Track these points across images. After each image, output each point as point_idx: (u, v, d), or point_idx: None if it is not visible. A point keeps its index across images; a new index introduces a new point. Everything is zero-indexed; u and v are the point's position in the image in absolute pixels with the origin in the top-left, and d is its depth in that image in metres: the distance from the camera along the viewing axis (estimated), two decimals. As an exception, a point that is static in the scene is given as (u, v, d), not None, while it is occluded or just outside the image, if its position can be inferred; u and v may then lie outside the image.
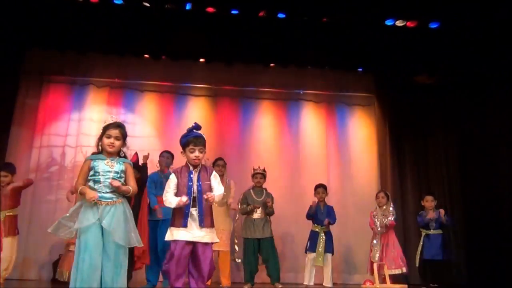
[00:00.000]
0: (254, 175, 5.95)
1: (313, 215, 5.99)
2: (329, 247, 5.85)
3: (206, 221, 3.37)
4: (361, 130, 7.61)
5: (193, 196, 3.38)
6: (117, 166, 3.33)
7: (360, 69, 7.32)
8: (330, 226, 6.04)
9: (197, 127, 3.54)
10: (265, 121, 7.50)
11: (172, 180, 3.47)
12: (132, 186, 3.35)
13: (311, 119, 7.62)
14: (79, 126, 6.96)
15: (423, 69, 7.06)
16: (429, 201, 6.01)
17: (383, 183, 7.10)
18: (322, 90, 7.65)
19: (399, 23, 6.42)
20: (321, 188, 6.11)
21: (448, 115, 7.24)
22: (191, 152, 3.45)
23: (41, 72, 7.08)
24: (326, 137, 7.52)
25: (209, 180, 3.49)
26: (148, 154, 5.55)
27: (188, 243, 3.31)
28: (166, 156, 5.69)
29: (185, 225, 3.31)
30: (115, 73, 7.23)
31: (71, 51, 6.71)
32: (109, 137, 3.33)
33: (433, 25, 6.43)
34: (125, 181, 3.35)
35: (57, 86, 7.17)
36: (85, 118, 6.97)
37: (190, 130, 3.53)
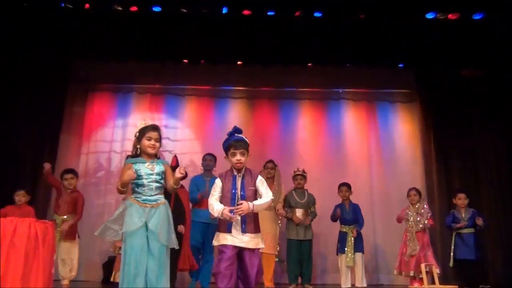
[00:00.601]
0: (294, 177, 6.03)
1: (337, 218, 5.92)
2: (359, 247, 5.76)
3: (249, 227, 3.28)
4: (404, 128, 7.44)
5: (237, 202, 3.29)
6: (157, 168, 3.39)
7: (401, 65, 7.15)
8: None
9: (237, 130, 3.46)
10: (304, 121, 7.48)
11: (218, 184, 3.41)
12: (171, 182, 3.40)
13: (351, 118, 7.52)
14: (124, 132, 7.19)
15: (468, 63, 6.81)
16: (462, 199, 5.74)
17: (429, 181, 6.92)
18: (362, 88, 7.56)
19: (440, 16, 6.23)
20: (344, 187, 6.02)
21: (495, 108, 6.94)
22: (233, 156, 3.35)
23: (87, 81, 7.38)
24: (367, 135, 7.41)
25: (254, 186, 3.37)
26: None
27: (235, 247, 3.25)
28: (209, 159, 5.75)
29: (229, 231, 3.25)
30: (155, 79, 7.43)
31: (114, 60, 6.94)
32: (149, 139, 3.38)
33: (477, 16, 6.20)
34: (165, 181, 3.40)
35: (102, 94, 7.46)
36: (129, 124, 7.19)
37: (230, 134, 3.45)
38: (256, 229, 3.33)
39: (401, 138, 7.37)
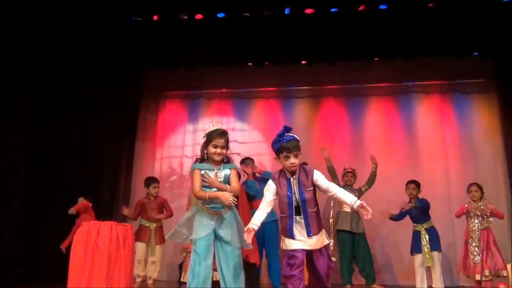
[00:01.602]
0: (345, 174, 6.07)
1: (402, 217, 5.69)
2: (435, 245, 5.44)
3: (313, 229, 3.17)
4: (482, 120, 6.98)
5: (295, 206, 3.18)
6: (224, 173, 3.43)
7: (476, 53, 6.73)
8: (434, 222, 5.63)
9: (287, 129, 3.24)
10: (373, 118, 7.27)
11: (271, 186, 3.26)
12: (234, 187, 3.40)
13: (423, 112, 7.21)
14: (194, 137, 7.43)
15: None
16: None
17: (512, 175, 6.45)
18: (434, 80, 7.22)
19: (519, -3, 5.80)
20: (412, 185, 5.75)
21: None
22: (286, 159, 3.17)
23: (158, 90, 7.73)
24: (442, 129, 7.05)
25: (312, 186, 3.22)
26: None
27: (304, 250, 3.18)
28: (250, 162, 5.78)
29: (292, 237, 3.17)
30: (222, 83, 7.61)
31: (182, 67, 7.19)
32: (215, 147, 3.38)
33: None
34: (229, 183, 3.42)
35: (172, 102, 7.77)
36: (199, 129, 7.42)
37: (281, 135, 3.22)
38: (320, 228, 3.24)
39: (479, 131, 6.93)
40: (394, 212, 5.77)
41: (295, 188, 3.20)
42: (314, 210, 3.23)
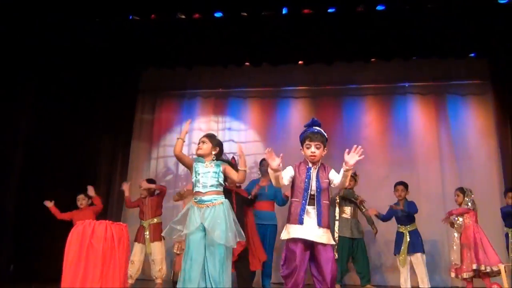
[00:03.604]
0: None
1: (389, 218, 5.75)
2: (417, 247, 5.53)
3: (324, 220, 3.15)
4: (477, 122, 7.00)
5: (311, 194, 3.20)
6: (215, 168, 3.55)
7: (473, 55, 6.74)
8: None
9: (314, 122, 3.37)
10: (369, 118, 7.30)
11: (288, 171, 3.30)
12: (235, 176, 3.58)
13: (419, 113, 7.24)
14: (190, 136, 7.36)
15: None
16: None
17: (508, 178, 6.44)
18: (430, 81, 7.23)
19: (515, 0, 5.82)
20: (401, 186, 5.77)
21: None
22: (307, 148, 3.26)
23: (155, 89, 7.70)
24: (437, 131, 7.07)
25: (328, 179, 3.27)
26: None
27: (306, 243, 3.14)
28: (267, 164, 5.69)
29: (301, 222, 3.13)
30: (219, 83, 7.59)
31: (179, 67, 7.17)
32: (197, 143, 3.67)
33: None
34: (225, 178, 3.58)
35: (169, 101, 7.76)
36: (195, 128, 7.40)
37: (308, 126, 3.37)
38: (328, 224, 3.21)
39: (474, 133, 6.95)
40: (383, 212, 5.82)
41: (313, 175, 3.26)
42: (327, 202, 3.26)
